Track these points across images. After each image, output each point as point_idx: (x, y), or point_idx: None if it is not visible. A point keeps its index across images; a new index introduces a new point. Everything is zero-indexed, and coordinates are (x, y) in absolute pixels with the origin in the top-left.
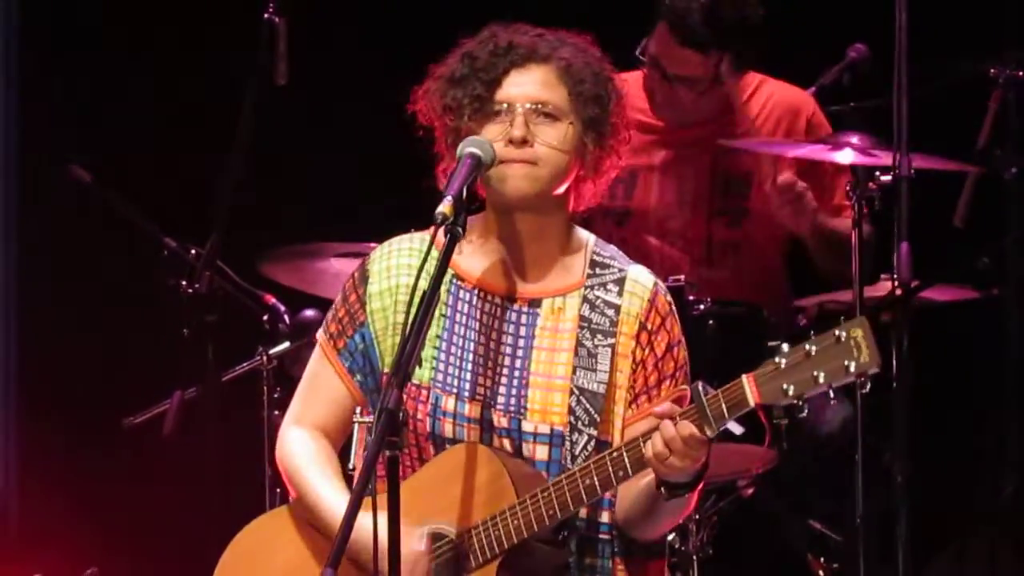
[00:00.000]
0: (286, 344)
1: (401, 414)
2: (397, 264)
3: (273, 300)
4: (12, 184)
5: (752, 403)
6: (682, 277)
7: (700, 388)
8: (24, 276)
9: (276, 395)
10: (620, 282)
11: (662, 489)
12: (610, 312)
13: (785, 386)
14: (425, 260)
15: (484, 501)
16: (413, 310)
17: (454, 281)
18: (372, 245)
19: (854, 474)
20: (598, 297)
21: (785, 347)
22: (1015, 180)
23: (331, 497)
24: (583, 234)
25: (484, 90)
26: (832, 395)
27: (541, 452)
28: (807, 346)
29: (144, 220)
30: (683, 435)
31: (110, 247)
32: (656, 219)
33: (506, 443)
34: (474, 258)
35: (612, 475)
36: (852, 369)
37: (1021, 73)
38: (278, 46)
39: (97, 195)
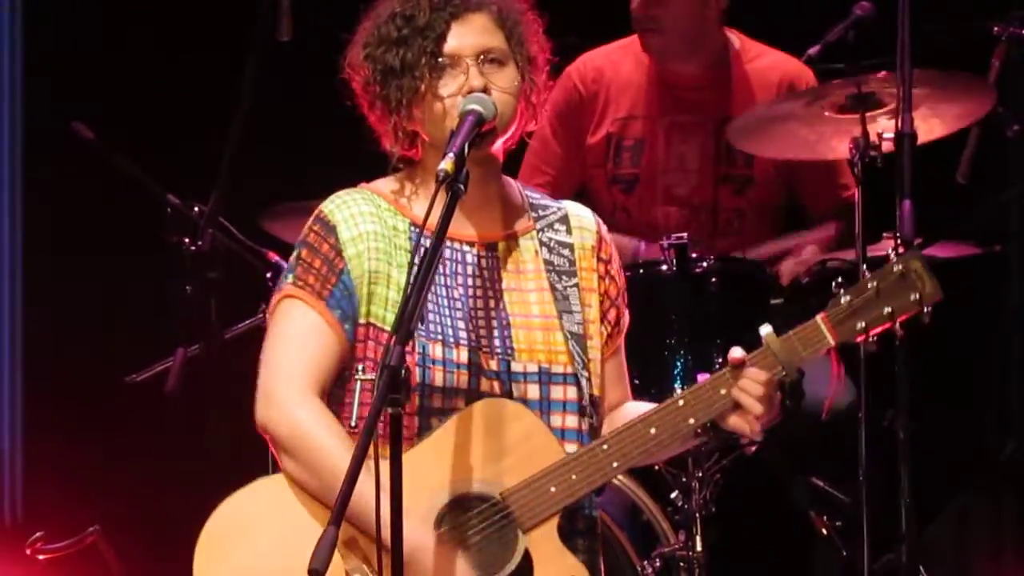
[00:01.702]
0: None
1: (404, 371)
2: (360, 212)
3: (276, 257)
4: (17, 142)
5: (832, 342)
6: (685, 235)
7: (771, 332)
8: (28, 234)
9: None
10: (564, 220)
11: (710, 434)
12: (565, 251)
13: (859, 324)
14: (427, 215)
15: (524, 458)
16: (416, 267)
17: (412, 229)
18: None
19: (857, 432)
20: (551, 239)
21: (844, 286)
22: (1017, 137)
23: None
24: (510, 178)
25: (434, 46)
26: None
27: (532, 391)
28: (871, 283)
29: (146, 177)
30: (770, 382)
31: (112, 204)
32: (663, 185)
33: (495, 385)
34: (420, 203)
35: (682, 423)
36: (919, 300)
37: None
38: (281, 2)
39: (100, 152)
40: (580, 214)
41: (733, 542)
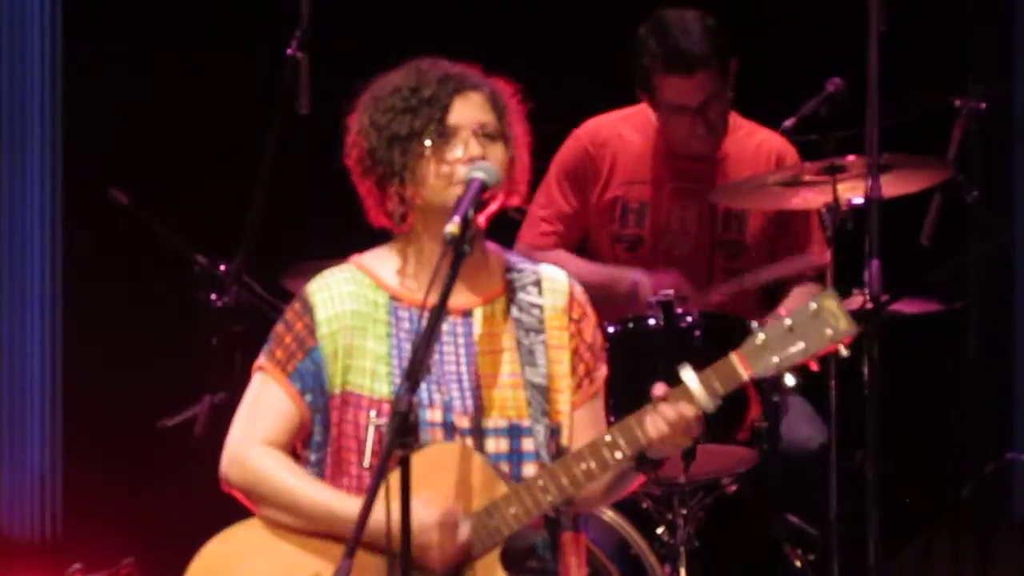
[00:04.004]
0: None
1: (412, 416)
2: (339, 293)
3: None
4: (58, 205)
5: (745, 377)
6: (671, 292)
7: (689, 369)
8: (68, 291)
9: None
10: (537, 283)
11: (640, 465)
12: (535, 311)
13: (774, 359)
14: (434, 276)
15: (474, 493)
16: (426, 320)
17: (392, 302)
18: None
19: (828, 473)
20: (522, 299)
21: (754, 325)
22: (976, 202)
23: (330, 497)
24: (489, 244)
25: (440, 115)
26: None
27: (503, 445)
28: (786, 320)
29: (177, 238)
30: (687, 415)
31: (146, 263)
32: (664, 247)
33: (469, 441)
34: (406, 280)
35: (609, 457)
36: (833, 335)
37: (983, 105)
38: (300, 79)
39: (134, 215)
40: (553, 276)
41: (715, 574)
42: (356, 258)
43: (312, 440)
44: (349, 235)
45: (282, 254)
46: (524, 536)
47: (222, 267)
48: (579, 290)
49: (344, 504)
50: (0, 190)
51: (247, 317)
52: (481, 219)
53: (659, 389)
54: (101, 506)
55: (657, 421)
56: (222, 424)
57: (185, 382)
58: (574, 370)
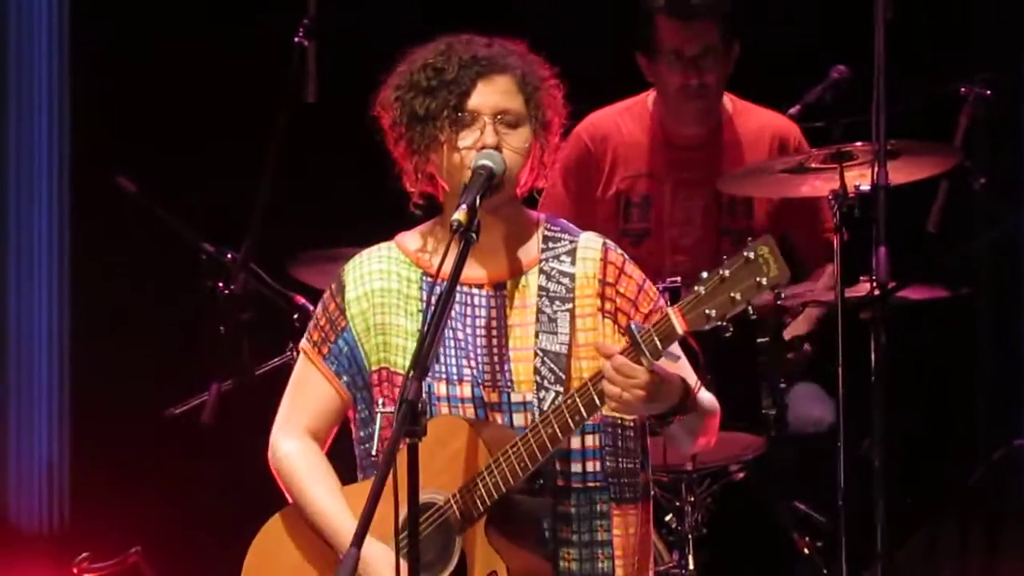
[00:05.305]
0: None
1: (420, 404)
2: (369, 271)
3: (302, 300)
4: (65, 193)
5: (680, 331)
6: (679, 279)
7: (634, 326)
8: (76, 280)
9: None
10: (572, 252)
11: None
12: (565, 280)
13: (707, 311)
14: (442, 262)
15: (464, 466)
16: (431, 308)
17: (424, 279)
18: None
19: (836, 460)
20: (553, 268)
21: (704, 275)
22: (983, 189)
23: (338, 517)
24: (533, 214)
25: (457, 101)
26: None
27: (532, 418)
28: (721, 271)
29: (184, 226)
30: (619, 369)
31: (153, 251)
32: (670, 237)
33: (498, 416)
34: (439, 256)
35: (569, 420)
36: (764, 283)
37: (989, 92)
38: (307, 67)
39: (141, 203)
40: (588, 245)
41: (723, 561)
42: (399, 236)
43: (359, 418)
44: (357, 222)
45: (289, 242)
46: (519, 506)
47: (229, 255)
48: (615, 253)
49: (340, 538)
50: (8, 178)
51: (254, 305)
52: (509, 194)
53: (607, 348)
54: (108, 495)
55: (608, 375)
56: (230, 412)
57: (192, 370)
58: (626, 329)
